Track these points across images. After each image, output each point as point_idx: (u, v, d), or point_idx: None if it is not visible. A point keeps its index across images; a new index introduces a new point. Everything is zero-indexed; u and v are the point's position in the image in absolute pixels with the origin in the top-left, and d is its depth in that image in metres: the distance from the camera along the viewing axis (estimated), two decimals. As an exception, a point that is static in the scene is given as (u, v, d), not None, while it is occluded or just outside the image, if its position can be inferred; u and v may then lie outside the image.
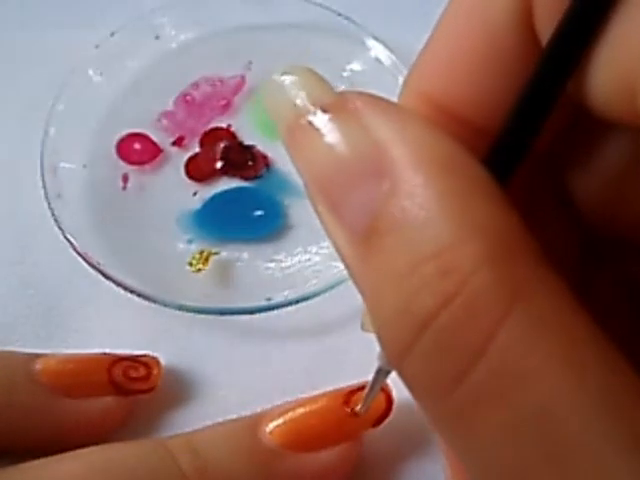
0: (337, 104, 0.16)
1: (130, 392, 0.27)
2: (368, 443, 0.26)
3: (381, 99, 0.16)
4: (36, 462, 0.23)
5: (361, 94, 0.16)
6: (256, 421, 0.25)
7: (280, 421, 0.25)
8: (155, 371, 0.27)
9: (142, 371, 0.27)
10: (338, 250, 0.16)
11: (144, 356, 0.28)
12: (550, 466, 0.13)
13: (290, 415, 0.25)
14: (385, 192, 0.14)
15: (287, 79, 0.16)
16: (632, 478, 0.12)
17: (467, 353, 0.13)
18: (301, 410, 0.25)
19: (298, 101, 0.16)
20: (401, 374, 0.14)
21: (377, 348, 0.18)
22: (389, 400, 0.26)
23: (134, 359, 0.27)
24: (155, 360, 0.28)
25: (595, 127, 0.16)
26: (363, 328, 0.20)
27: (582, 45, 0.14)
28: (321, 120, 0.16)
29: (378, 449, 0.27)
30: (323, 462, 0.25)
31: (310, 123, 0.16)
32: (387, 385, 0.26)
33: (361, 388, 0.25)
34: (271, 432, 0.25)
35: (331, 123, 0.16)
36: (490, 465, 0.13)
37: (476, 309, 0.13)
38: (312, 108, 0.16)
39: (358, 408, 0.25)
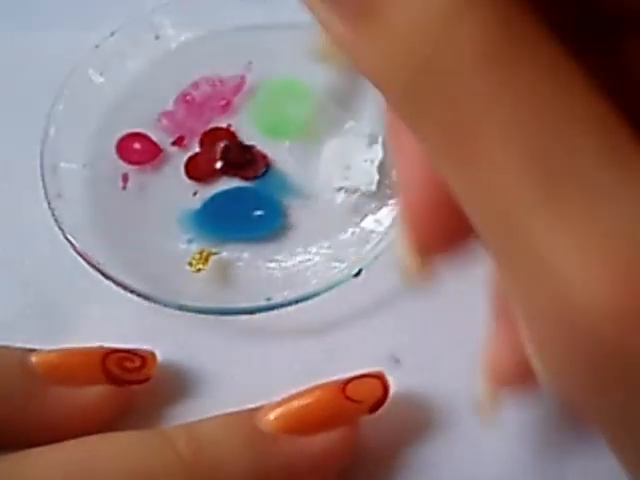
0: None
1: (125, 382, 0.27)
2: (366, 437, 0.26)
3: None
4: (31, 450, 0.23)
5: None
6: (253, 411, 0.25)
7: (277, 409, 0.25)
8: (150, 362, 0.27)
9: (137, 362, 0.27)
10: (330, 31, 0.16)
11: (139, 349, 0.28)
12: (532, 167, 0.14)
13: (287, 403, 0.25)
14: None
15: None
16: (617, 201, 0.14)
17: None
18: (298, 398, 0.26)
19: None
20: (399, 111, 0.16)
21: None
22: (385, 387, 0.26)
23: (129, 351, 0.27)
24: (150, 352, 0.28)
25: None
26: (310, 54, 0.22)
27: None
28: None
29: (376, 443, 0.27)
30: (320, 446, 0.25)
31: None
32: (383, 373, 0.26)
33: (358, 377, 0.26)
34: (268, 419, 0.25)
35: None
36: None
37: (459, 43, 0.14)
38: None
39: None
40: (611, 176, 0.14)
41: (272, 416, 0.25)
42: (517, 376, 0.21)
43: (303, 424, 0.25)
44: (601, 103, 0.14)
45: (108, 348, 0.27)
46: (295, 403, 0.25)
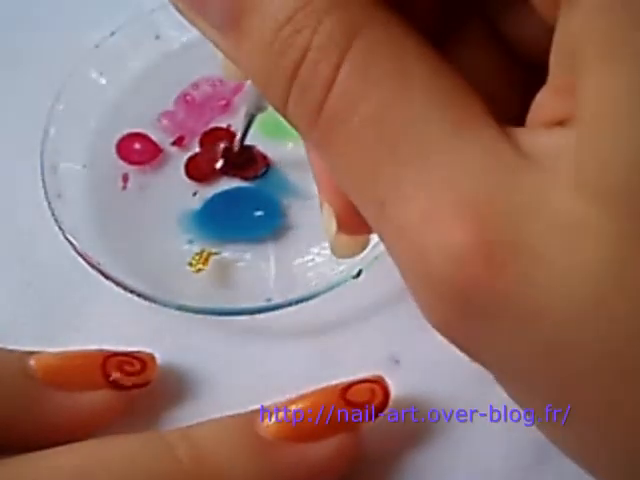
0: None
1: (125, 387, 0.27)
2: (367, 438, 0.26)
3: None
4: (32, 454, 0.23)
5: None
6: (253, 415, 0.25)
7: (277, 414, 0.25)
8: (150, 366, 0.27)
9: (137, 365, 0.27)
10: (216, 45, 0.18)
11: (139, 352, 0.28)
12: (389, 158, 0.16)
13: (286, 409, 0.25)
14: None
15: None
16: (452, 155, 0.16)
17: (322, 86, 0.17)
18: (298, 403, 0.25)
19: None
20: (287, 119, 0.18)
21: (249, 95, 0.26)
22: (385, 392, 0.26)
23: (129, 354, 0.27)
24: (150, 356, 0.28)
25: None
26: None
27: None
28: None
29: (376, 444, 0.27)
30: (320, 453, 0.25)
31: None
32: (384, 379, 0.26)
33: (358, 382, 0.26)
34: (268, 424, 0.25)
35: None
36: (349, 170, 0.17)
37: (325, 50, 0.16)
38: None
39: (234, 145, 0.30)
40: (448, 138, 0.16)
41: (272, 422, 0.25)
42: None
43: (303, 431, 0.25)
44: (453, 82, 0.17)
45: (108, 351, 0.27)
46: (295, 408, 0.25)
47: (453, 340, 0.18)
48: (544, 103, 0.17)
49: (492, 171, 0.16)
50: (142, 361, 0.27)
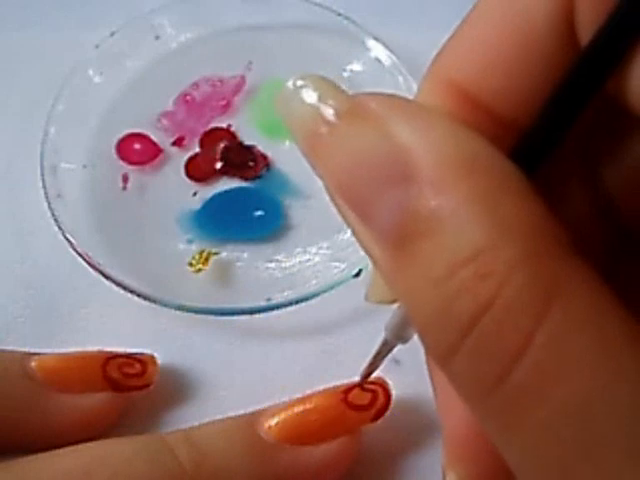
0: (354, 109, 0.16)
1: (125, 388, 0.27)
2: (367, 438, 0.26)
3: (397, 98, 0.16)
4: (33, 457, 0.23)
5: (376, 96, 0.16)
6: (254, 417, 0.25)
7: (278, 416, 0.25)
8: (151, 368, 0.27)
9: (138, 367, 0.27)
10: (371, 256, 0.16)
11: (140, 354, 0.28)
12: (586, 463, 0.13)
13: (288, 410, 0.25)
14: (413, 196, 0.14)
15: (301, 86, 0.16)
16: None
17: (508, 353, 0.14)
18: (299, 405, 0.25)
19: (315, 108, 0.16)
20: (446, 372, 0.15)
21: (392, 322, 0.20)
22: (387, 395, 0.26)
23: (129, 356, 0.27)
24: (151, 357, 0.28)
25: (628, 120, 0.16)
26: (367, 298, 0.20)
27: (624, 46, 0.14)
28: (340, 126, 0.16)
29: (377, 444, 0.27)
30: (321, 456, 0.25)
31: (329, 130, 0.16)
32: (385, 381, 0.26)
33: (359, 385, 0.25)
34: (269, 427, 0.25)
35: (350, 129, 0.15)
36: (531, 460, 0.14)
37: (515, 311, 0.14)
38: (330, 115, 0.16)
39: (359, 380, 0.25)
40: None
41: (273, 424, 0.25)
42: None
43: (305, 433, 0.25)
44: None
45: (109, 353, 0.27)
46: (296, 411, 0.25)
47: None
48: None
49: None
50: (143, 363, 0.27)
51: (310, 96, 0.16)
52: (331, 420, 0.25)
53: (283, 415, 0.25)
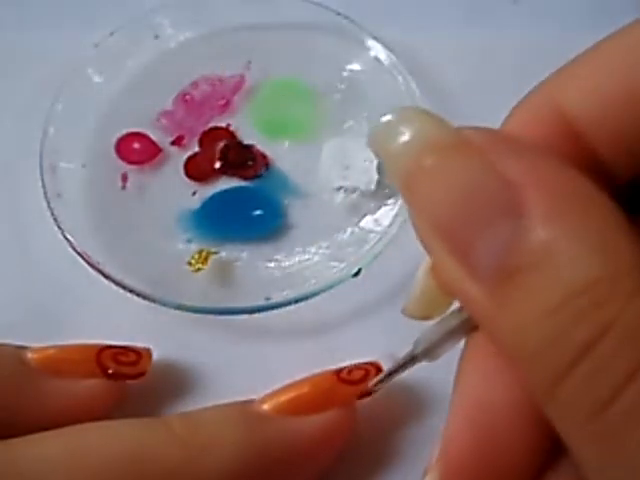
0: (458, 144, 0.15)
1: (119, 376, 0.27)
2: (363, 428, 0.27)
3: (503, 133, 0.16)
4: (29, 437, 0.23)
5: (479, 130, 0.16)
6: (249, 401, 0.26)
7: (272, 396, 0.26)
8: (145, 358, 0.27)
9: (132, 356, 0.27)
10: (466, 296, 0.16)
11: (134, 346, 0.28)
12: None
13: (282, 389, 0.26)
14: (524, 230, 0.14)
15: (399, 120, 0.16)
16: None
17: (623, 375, 0.14)
18: (293, 384, 0.26)
19: (417, 140, 0.15)
20: (552, 399, 0.15)
21: (423, 339, 0.20)
22: (379, 369, 0.26)
23: (124, 347, 0.27)
24: (145, 348, 0.28)
25: None
26: (404, 312, 0.20)
27: None
28: (443, 161, 0.15)
29: (373, 434, 0.27)
30: (315, 427, 0.25)
31: (431, 164, 0.15)
32: (379, 362, 0.26)
33: (353, 368, 0.26)
34: (264, 400, 0.26)
35: (454, 164, 0.15)
36: None
37: (632, 337, 0.14)
38: (432, 149, 0.15)
39: (372, 383, 0.25)
40: None
41: (268, 401, 0.26)
42: None
43: (298, 405, 0.25)
44: None
45: (104, 344, 0.27)
46: (290, 388, 0.26)
47: None
48: None
49: None
50: (137, 353, 0.27)
51: (408, 128, 0.16)
52: (324, 392, 0.26)
53: (277, 393, 0.26)
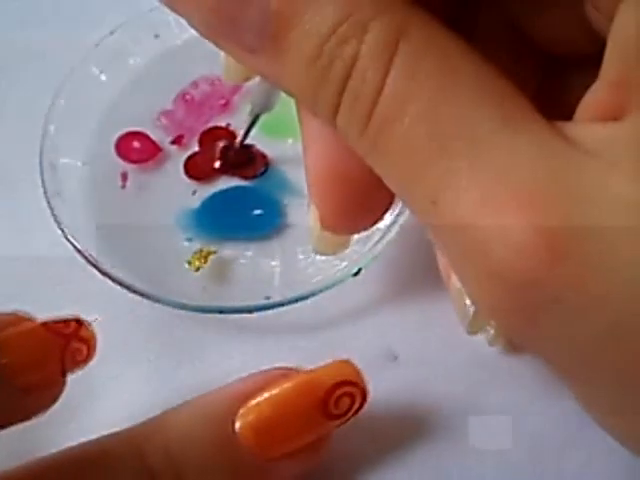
0: None
1: (72, 371, 0.25)
2: (363, 427, 0.26)
3: None
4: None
5: None
6: (232, 410, 0.24)
7: (252, 415, 0.24)
8: (92, 345, 0.26)
9: (84, 352, 0.26)
10: (255, 69, 0.19)
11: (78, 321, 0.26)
12: (433, 143, 0.17)
13: (263, 412, 0.24)
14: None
15: None
16: (505, 147, 0.16)
17: (372, 94, 0.17)
18: (277, 405, 0.24)
19: None
20: (337, 130, 0.18)
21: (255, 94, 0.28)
22: (364, 396, 0.24)
23: (75, 335, 0.26)
24: (90, 331, 0.26)
25: None
26: (225, 79, 0.24)
27: None
28: None
29: (372, 432, 0.27)
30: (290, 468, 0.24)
31: None
32: (363, 382, 0.24)
33: (338, 385, 0.24)
34: (242, 425, 0.24)
35: None
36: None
37: (373, 59, 0.17)
38: None
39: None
40: (499, 131, 0.16)
41: (246, 423, 0.24)
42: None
43: (276, 437, 0.24)
44: (501, 81, 0.17)
45: (60, 340, 0.25)
46: (272, 412, 0.24)
47: (513, 330, 0.18)
48: (596, 97, 0.17)
49: (547, 160, 0.16)
50: (87, 343, 0.26)
51: None
52: (307, 427, 0.24)
53: (256, 414, 0.24)
